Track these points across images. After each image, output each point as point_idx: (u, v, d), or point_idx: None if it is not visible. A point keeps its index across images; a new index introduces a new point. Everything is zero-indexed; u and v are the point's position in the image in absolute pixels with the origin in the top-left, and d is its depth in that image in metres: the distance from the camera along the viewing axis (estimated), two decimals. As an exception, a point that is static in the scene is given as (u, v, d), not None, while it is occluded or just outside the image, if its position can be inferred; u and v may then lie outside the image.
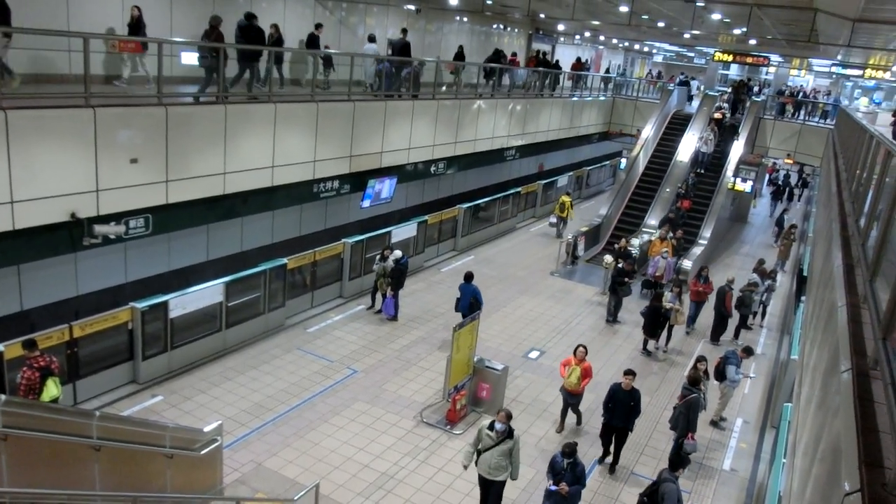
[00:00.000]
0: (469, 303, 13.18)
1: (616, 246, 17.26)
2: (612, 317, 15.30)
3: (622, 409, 9.49)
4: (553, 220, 22.14)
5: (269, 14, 15.93)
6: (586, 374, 10.27)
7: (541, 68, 23.53)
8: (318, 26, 14.47)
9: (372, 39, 15.63)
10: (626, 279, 15.09)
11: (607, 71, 37.99)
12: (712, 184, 21.90)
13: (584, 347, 10.31)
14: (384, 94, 14.90)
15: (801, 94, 32.21)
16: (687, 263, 17.65)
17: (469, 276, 13.48)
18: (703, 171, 22.69)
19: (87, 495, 6.80)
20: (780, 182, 31.68)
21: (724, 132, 23.73)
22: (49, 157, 8.39)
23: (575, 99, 24.83)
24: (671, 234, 17.73)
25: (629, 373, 9.65)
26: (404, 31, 17.19)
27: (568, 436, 10.41)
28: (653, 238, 18.07)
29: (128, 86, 10.94)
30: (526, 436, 10.39)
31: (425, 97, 16.48)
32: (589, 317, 15.50)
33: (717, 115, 24.40)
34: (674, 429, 9.82)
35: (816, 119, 25.96)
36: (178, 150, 10.02)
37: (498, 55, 22.38)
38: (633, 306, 15.52)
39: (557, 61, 27.51)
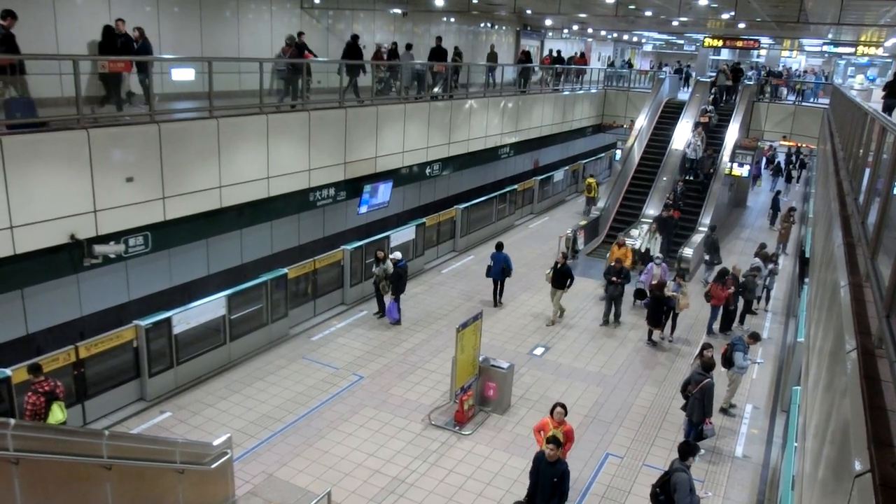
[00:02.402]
0: (501, 268, 15.16)
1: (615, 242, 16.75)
2: (606, 318, 14.66)
3: (546, 485, 7.45)
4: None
5: (254, 24, 15.97)
6: (568, 438, 8.26)
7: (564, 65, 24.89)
8: (300, 34, 14.44)
9: (409, 48, 18.32)
10: (615, 278, 14.38)
11: (612, 64, 38.01)
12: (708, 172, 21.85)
13: (563, 407, 8.27)
14: (415, 95, 15.27)
15: (786, 74, 32.08)
16: (688, 251, 17.63)
17: (500, 246, 15.66)
18: (691, 179, 21.34)
19: (101, 515, 6.79)
20: (777, 160, 32.08)
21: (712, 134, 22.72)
22: (46, 180, 8.40)
23: (566, 93, 24.81)
24: (661, 236, 17.28)
25: (552, 441, 7.49)
26: (439, 38, 18.95)
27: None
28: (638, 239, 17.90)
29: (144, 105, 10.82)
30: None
31: (423, 100, 16.62)
32: (592, 310, 15.48)
33: (703, 119, 23.04)
34: (690, 415, 9.82)
35: (796, 98, 25.91)
36: (172, 166, 10.02)
37: (528, 56, 24.87)
38: (629, 308, 15.48)
39: (572, 57, 28.51)
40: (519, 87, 22.36)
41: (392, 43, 18.28)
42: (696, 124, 22.82)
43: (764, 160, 33.43)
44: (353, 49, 15.60)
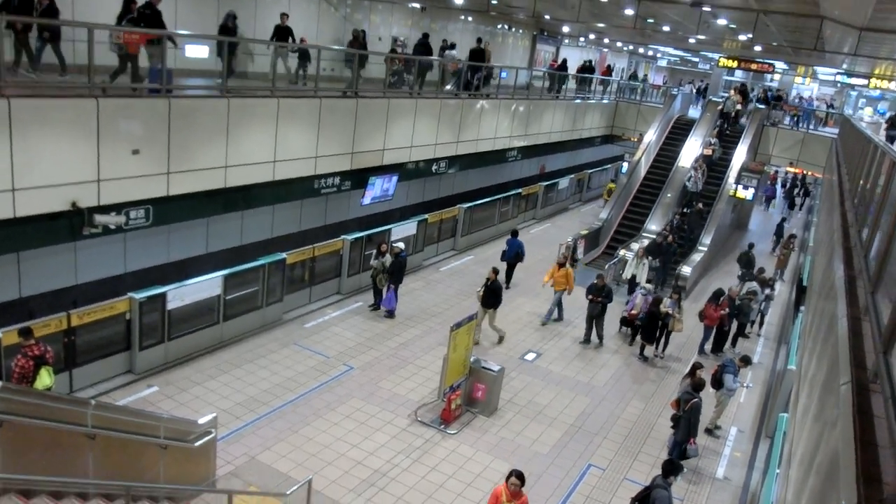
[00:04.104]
0: (514, 253, 16.17)
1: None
2: (587, 337, 14.08)
3: None
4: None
5: (273, 10, 15.92)
6: None
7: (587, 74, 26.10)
8: (284, 16, 13.88)
9: (452, 46, 19.02)
10: (592, 297, 13.73)
11: (634, 76, 38.13)
12: (714, 190, 21.85)
13: (520, 478, 7.14)
14: (456, 90, 15.44)
15: (792, 99, 31.92)
16: (686, 269, 17.64)
17: (515, 232, 16.88)
18: (688, 211, 20.61)
19: (81, 483, 6.78)
20: (788, 184, 32.58)
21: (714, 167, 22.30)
22: (51, 146, 8.37)
23: (578, 101, 24.81)
24: (651, 261, 16.45)
25: None
26: (479, 39, 19.63)
27: None
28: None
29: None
30: (520, 438, 10.39)
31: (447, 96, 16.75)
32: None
33: (707, 152, 22.57)
34: (675, 433, 9.84)
35: (794, 123, 25.86)
36: (180, 142, 10.00)
37: (565, 65, 26.12)
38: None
39: (590, 63, 29.02)
40: (554, 93, 23.59)
41: (423, 34, 18.40)
42: (699, 157, 22.40)
43: (779, 182, 33.92)
44: (423, 46, 17.31)
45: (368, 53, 15.50)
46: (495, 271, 13.31)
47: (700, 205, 20.39)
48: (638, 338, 14.18)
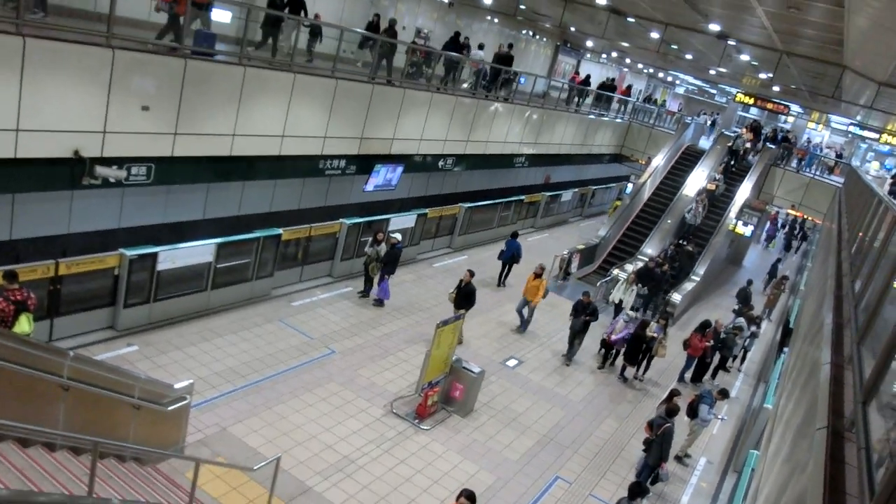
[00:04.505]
0: (511, 254, 16.76)
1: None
2: (568, 355, 13.92)
3: None
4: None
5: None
6: None
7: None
8: None
9: (481, 47, 19.48)
10: (574, 314, 13.64)
11: (653, 100, 38.29)
12: (713, 224, 21.91)
13: (470, 499, 6.66)
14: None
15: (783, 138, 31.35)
16: (676, 297, 17.69)
17: (515, 234, 17.53)
18: (684, 244, 20.35)
19: (50, 433, 6.75)
20: (788, 226, 32.87)
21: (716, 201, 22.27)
22: (61, 92, 8.30)
23: (592, 117, 24.84)
24: (640, 287, 16.22)
25: None
26: (510, 45, 19.96)
27: None
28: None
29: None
30: (492, 442, 10.41)
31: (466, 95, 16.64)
32: (572, 334, 15.49)
33: (711, 186, 22.44)
34: (646, 456, 9.87)
35: (810, 170, 25.90)
36: (190, 104, 9.94)
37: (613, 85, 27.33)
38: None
39: (613, 81, 29.20)
40: (574, 105, 24.04)
41: (455, 32, 18.67)
42: (701, 191, 22.32)
43: (780, 222, 34.16)
44: (454, 42, 17.88)
45: (388, 41, 15.43)
46: (471, 273, 13.07)
47: (691, 246, 19.82)
48: (617, 361, 14.21)
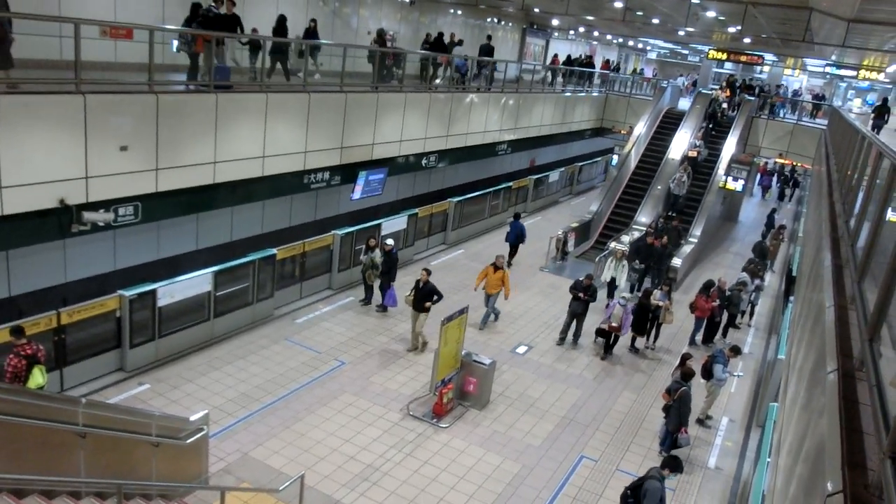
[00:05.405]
0: (516, 235, 17.61)
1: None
2: (563, 336, 13.66)
3: None
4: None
5: (264, 4, 15.81)
6: None
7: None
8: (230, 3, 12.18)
9: (460, 43, 19.70)
10: (581, 294, 13.22)
11: (617, 69, 38.30)
12: (703, 182, 21.94)
13: None
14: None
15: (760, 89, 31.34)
16: (676, 261, 17.72)
17: (518, 215, 18.16)
18: (673, 215, 20.23)
19: (72, 482, 6.76)
20: (786, 172, 33.10)
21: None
22: (39, 143, 8.28)
23: (568, 94, 24.83)
24: (632, 265, 15.82)
25: None
26: (489, 37, 20.96)
27: None
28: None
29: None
30: (512, 431, 10.44)
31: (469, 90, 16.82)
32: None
33: (692, 153, 22.18)
34: (666, 423, 9.91)
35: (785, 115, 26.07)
36: (168, 138, 9.92)
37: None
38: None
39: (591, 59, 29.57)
40: (548, 86, 24.34)
41: (439, 33, 19.37)
42: (684, 159, 22.10)
43: (775, 172, 34.68)
44: (437, 42, 18.52)
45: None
46: (427, 272, 12.47)
47: (676, 223, 19.45)
48: (618, 345, 13.69)
